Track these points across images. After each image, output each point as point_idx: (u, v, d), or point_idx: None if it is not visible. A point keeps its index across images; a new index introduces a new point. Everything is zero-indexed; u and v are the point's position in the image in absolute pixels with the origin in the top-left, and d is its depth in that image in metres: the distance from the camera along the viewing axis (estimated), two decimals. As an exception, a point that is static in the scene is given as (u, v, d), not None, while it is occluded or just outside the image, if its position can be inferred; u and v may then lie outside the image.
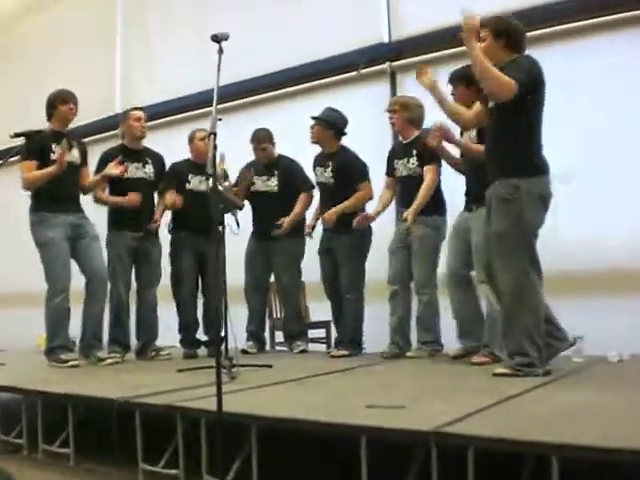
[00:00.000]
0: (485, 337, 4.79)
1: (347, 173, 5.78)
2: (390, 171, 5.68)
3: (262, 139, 6.19)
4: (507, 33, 4.09)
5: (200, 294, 6.12)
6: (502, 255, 4.05)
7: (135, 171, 5.84)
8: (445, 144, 5.04)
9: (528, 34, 4.24)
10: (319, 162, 5.97)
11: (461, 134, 5.01)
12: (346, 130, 5.88)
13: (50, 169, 5.27)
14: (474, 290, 4.95)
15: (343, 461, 3.05)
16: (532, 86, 3.96)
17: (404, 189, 5.56)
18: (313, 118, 5.85)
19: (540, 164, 4.08)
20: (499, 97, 3.97)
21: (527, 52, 4.14)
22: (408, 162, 5.47)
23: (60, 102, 5.48)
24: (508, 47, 4.08)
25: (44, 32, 10.29)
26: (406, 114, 5.47)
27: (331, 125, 5.85)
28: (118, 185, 5.77)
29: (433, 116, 4.99)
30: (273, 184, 6.18)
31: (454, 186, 5.32)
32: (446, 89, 4.75)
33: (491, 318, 4.71)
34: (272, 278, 6.41)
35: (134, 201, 5.69)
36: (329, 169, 5.84)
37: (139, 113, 5.94)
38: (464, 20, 4.00)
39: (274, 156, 6.27)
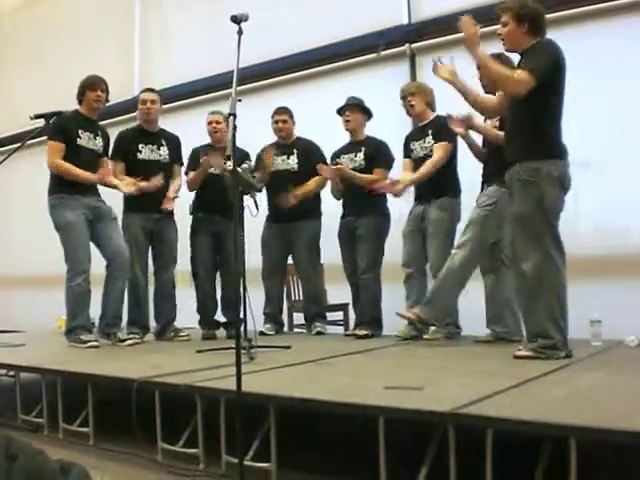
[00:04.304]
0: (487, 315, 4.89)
1: (376, 159, 5.82)
2: (407, 154, 5.67)
3: (285, 111, 6.24)
4: (530, 17, 4.02)
5: (219, 276, 6.15)
6: (525, 237, 4.03)
7: (150, 153, 5.86)
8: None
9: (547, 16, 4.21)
10: (347, 150, 5.98)
11: (485, 120, 4.98)
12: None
13: (87, 175, 5.38)
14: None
15: (361, 442, 3.07)
16: (551, 72, 3.93)
17: None
18: (348, 105, 5.88)
19: (558, 147, 4.04)
20: (516, 94, 3.96)
21: (551, 34, 4.11)
22: (424, 142, 5.47)
23: (88, 88, 5.50)
24: (531, 32, 4.03)
25: (63, 17, 10.33)
26: (425, 97, 5.47)
27: (366, 110, 5.95)
28: (133, 167, 5.80)
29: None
30: (293, 162, 6.18)
31: (471, 167, 5.31)
32: (459, 71, 4.68)
33: (490, 297, 4.84)
34: (289, 260, 6.43)
35: (154, 185, 5.70)
36: (361, 154, 5.86)
37: (144, 95, 5.96)
38: (462, 27, 4.05)
39: (293, 135, 6.29)
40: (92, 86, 5.49)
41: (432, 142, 5.42)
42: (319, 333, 6.10)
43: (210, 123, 6.10)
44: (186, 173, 6.12)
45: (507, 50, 4.26)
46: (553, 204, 3.99)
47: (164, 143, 5.95)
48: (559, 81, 4.00)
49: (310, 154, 6.19)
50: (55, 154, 5.36)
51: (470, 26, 4.04)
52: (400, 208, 5.76)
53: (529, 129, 4.02)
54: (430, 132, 5.44)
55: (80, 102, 5.55)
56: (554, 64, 3.95)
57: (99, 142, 5.59)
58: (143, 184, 5.61)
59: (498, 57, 4.41)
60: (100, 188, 5.67)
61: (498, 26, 4.15)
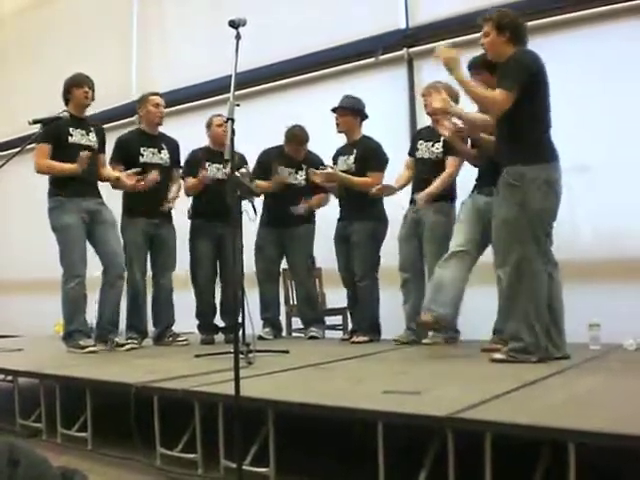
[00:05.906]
0: (497, 322, 4.77)
1: (368, 161, 5.77)
2: (412, 151, 5.65)
3: (305, 140, 6.23)
4: (510, 27, 4.11)
5: (218, 280, 6.14)
6: (506, 240, 4.07)
7: (151, 156, 5.83)
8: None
9: (543, 20, 4.24)
10: (342, 152, 5.95)
11: None
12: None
13: (68, 167, 5.32)
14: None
15: (359, 446, 3.07)
16: (528, 81, 3.97)
17: (421, 171, 5.51)
18: (338, 108, 5.84)
19: (546, 151, 4.08)
20: (495, 113, 4.06)
21: (548, 38, 4.13)
22: (433, 145, 5.44)
23: (75, 86, 5.49)
24: (511, 40, 4.11)
25: (61, 20, 10.32)
26: None
27: (358, 112, 5.87)
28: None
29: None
30: (301, 178, 6.21)
31: (466, 171, 5.30)
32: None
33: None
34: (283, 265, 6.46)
35: (150, 181, 5.65)
36: (352, 156, 5.81)
37: (158, 99, 5.94)
38: (440, 55, 4.15)
39: None
40: (79, 84, 5.48)
41: (441, 149, 5.38)
42: (312, 338, 6.11)
43: (220, 125, 5.99)
44: (183, 177, 6.09)
45: (490, 59, 4.30)
46: (536, 207, 3.99)
47: (164, 147, 5.93)
48: (539, 88, 4.05)
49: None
50: (41, 157, 5.36)
51: (447, 52, 4.15)
52: (396, 211, 5.73)
53: (514, 135, 4.07)
54: (442, 138, 5.33)
55: (67, 102, 5.53)
56: (529, 73, 4.00)
57: (93, 138, 5.56)
58: (141, 184, 5.59)
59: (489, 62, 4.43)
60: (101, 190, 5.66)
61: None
